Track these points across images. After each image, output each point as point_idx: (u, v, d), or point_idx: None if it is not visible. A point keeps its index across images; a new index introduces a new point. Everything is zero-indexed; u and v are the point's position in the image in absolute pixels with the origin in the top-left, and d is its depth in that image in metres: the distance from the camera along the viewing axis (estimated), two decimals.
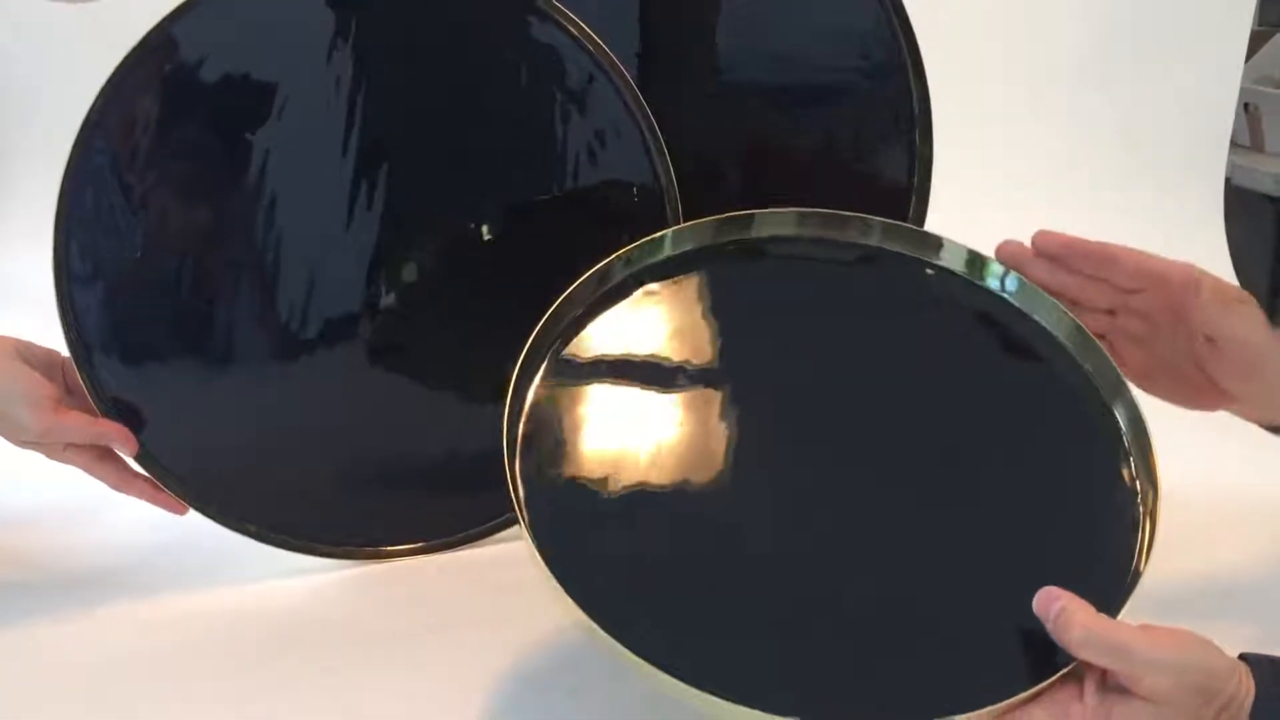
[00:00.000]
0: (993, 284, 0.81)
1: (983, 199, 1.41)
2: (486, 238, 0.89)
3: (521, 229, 0.89)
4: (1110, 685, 0.64)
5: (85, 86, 0.84)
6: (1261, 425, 0.83)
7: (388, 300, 0.89)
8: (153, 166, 0.86)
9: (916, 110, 0.96)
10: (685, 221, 0.85)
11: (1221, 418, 0.82)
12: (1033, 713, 0.64)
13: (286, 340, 0.88)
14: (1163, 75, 1.53)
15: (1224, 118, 1.55)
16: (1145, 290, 0.80)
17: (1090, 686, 0.64)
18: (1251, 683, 0.64)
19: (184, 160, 0.86)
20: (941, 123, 0.96)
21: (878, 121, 0.97)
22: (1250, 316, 0.78)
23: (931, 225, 0.97)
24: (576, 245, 0.83)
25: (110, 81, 0.84)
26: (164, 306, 0.87)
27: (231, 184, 0.87)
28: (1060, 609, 0.64)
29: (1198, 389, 0.81)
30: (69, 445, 0.86)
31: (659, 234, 0.81)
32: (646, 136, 0.88)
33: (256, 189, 0.87)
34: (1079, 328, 0.78)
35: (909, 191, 0.97)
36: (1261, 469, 0.98)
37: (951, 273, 0.81)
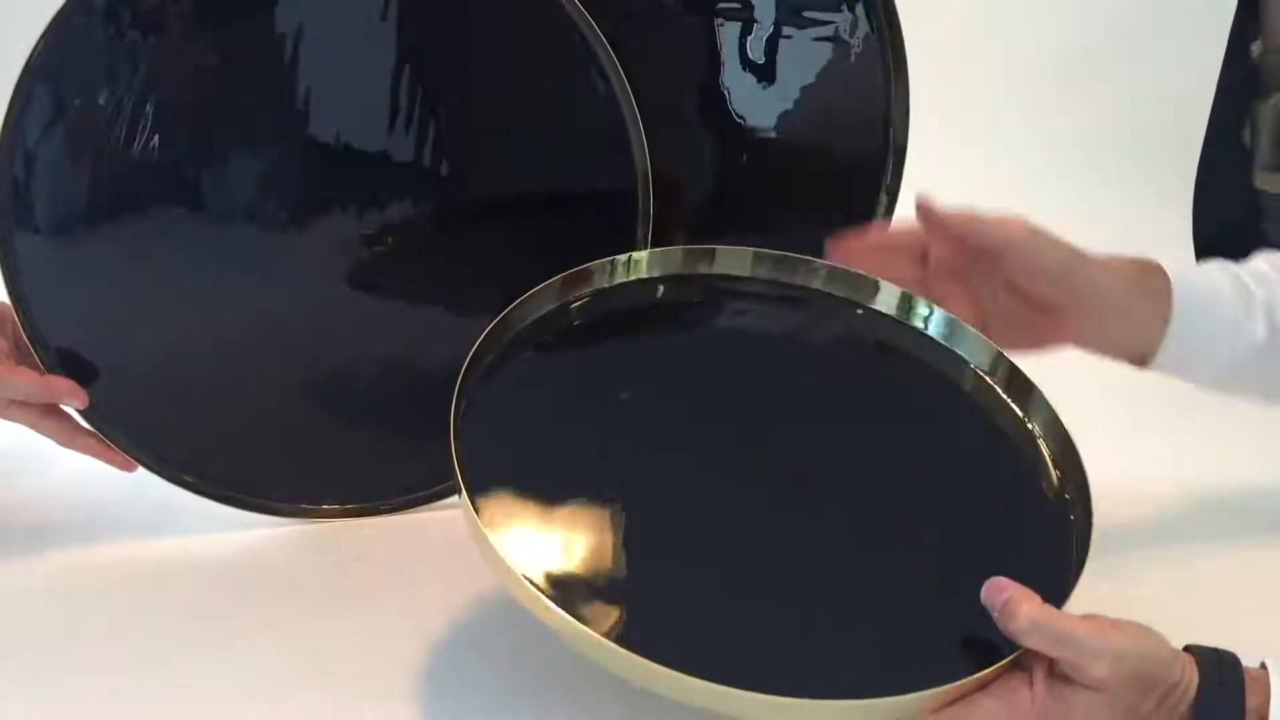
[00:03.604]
0: (918, 323, 0.85)
1: (956, 197, 1.41)
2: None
3: (511, 205, 0.90)
4: (1057, 674, 0.66)
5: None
6: (1129, 361, 0.83)
7: (366, 244, 0.88)
8: (126, 67, 0.83)
9: (893, 106, 0.95)
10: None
11: (1144, 415, 0.82)
12: (981, 701, 0.66)
13: (245, 286, 0.87)
14: (1139, 77, 1.54)
15: (1195, 126, 1.55)
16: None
17: (1038, 675, 0.66)
18: (1195, 672, 0.66)
19: (166, 66, 0.83)
20: (917, 120, 0.96)
21: (851, 115, 0.96)
22: (1049, 237, 0.80)
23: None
24: (555, 233, 0.88)
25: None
26: (112, 248, 0.85)
27: (218, 89, 0.85)
28: (1007, 599, 0.66)
29: (1030, 324, 0.82)
30: (14, 401, 0.85)
31: (634, 255, 0.85)
32: (632, 136, 0.88)
33: (246, 98, 0.85)
34: (998, 353, 0.82)
35: (879, 186, 0.97)
36: (1190, 461, 1.01)
37: (881, 313, 0.86)
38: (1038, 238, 0.80)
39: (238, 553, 0.88)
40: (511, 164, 0.90)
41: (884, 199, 0.97)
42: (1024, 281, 0.81)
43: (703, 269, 0.87)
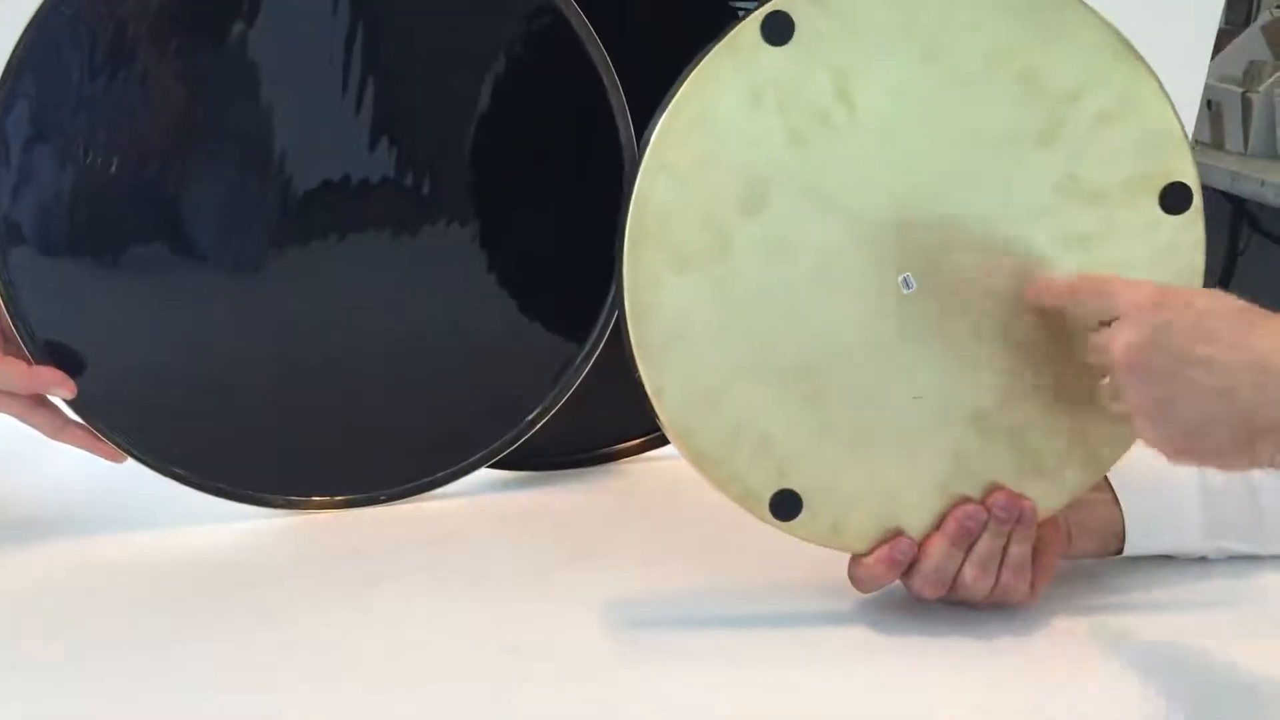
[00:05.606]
0: None
1: None
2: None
3: (498, 200, 0.90)
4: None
5: None
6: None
7: (357, 239, 0.88)
8: (105, 76, 0.83)
9: None
10: None
11: None
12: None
13: (232, 283, 0.87)
14: None
15: (1187, 114, 1.56)
16: None
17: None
18: None
19: (144, 69, 0.83)
20: None
21: None
22: None
23: None
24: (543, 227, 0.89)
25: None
26: (96, 254, 0.85)
27: (196, 96, 0.85)
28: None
29: None
30: (2, 392, 0.84)
31: None
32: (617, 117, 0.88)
33: (223, 103, 0.85)
34: None
35: None
36: None
37: None
38: None
39: (229, 545, 0.87)
40: (499, 161, 0.89)
41: None
42: None
43: None
